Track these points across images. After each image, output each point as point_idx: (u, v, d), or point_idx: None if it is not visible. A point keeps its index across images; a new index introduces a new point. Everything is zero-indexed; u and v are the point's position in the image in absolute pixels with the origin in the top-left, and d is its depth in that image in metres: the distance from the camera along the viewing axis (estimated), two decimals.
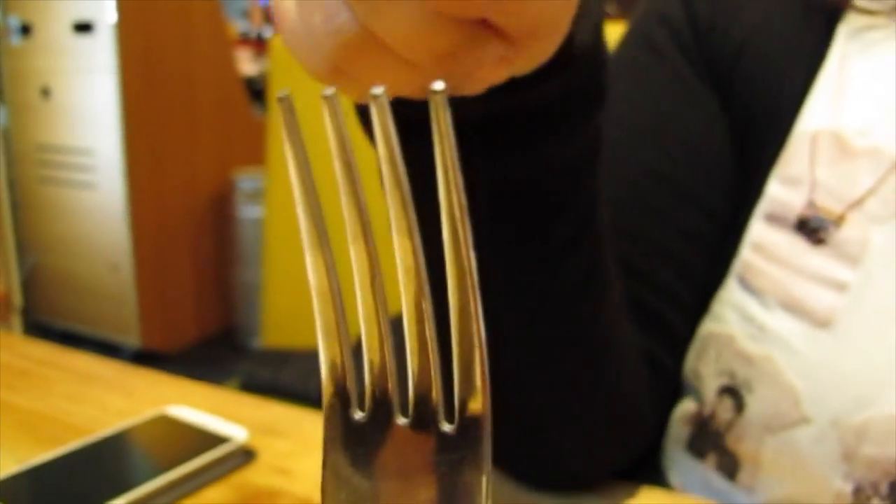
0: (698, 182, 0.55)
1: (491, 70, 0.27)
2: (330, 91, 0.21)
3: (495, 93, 0.30)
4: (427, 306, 0.20)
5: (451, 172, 0.20)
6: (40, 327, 2.81)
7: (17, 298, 2.75)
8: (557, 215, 0.40)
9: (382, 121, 0.19)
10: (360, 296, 0.21)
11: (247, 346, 2.78)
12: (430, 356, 0.20)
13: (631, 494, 0.51)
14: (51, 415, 0.61)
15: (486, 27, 0.24)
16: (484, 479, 0.21)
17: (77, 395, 0.65)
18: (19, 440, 0.56)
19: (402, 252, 0.20)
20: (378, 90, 0.19)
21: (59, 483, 0.49)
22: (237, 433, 0.55)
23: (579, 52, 0.33)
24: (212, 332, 2.94)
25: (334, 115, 0.20)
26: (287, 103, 0.21)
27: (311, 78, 0.27)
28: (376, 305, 0.21)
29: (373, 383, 0.22)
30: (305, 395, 1.14)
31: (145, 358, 2.56)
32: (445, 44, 0.24)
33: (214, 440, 0.54)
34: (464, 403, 0.20)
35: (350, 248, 0.21)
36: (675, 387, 0.56)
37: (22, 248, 2.82)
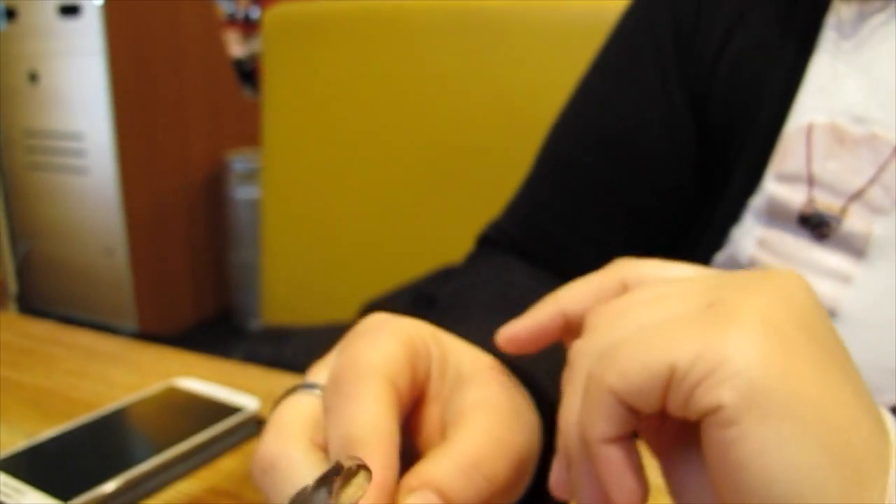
0: (631, 182, 0.59)
1: None
2: None
3: None
4: None
5: None
6: (36, 314, 2.80)
7: (12, 285, 2.74)
8: None
9: None
10: None
11: (245, 327, 2.77)
12: None
13: None
14: (57, 391, 0.60)
15: None
16: None
17: (82, 370, 0.64)
18: (27, 416, 0.56)
19: None
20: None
21: (72, 456, 0.48)
22: (248, 402, 0.54)
23: None
24: (209, 315, 2.94)
25: None
26: None
27: None
28: None
29: None
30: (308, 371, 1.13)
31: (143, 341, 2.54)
32: None
33: (226, 410, 0.53)
34: None
35: None
36: None
37: (15, 234, 2.80)
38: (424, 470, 0.28)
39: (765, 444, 0.22)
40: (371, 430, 0.27)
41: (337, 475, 0.24)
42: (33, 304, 2.86)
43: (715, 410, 0.23)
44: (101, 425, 0.52)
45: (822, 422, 0.22)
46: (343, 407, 0.28)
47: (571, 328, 0.32)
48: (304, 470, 0.28)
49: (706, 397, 0.23)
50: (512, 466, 0.30)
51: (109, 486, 0.44)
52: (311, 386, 0.32)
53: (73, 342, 0.72)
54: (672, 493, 0.28)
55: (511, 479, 0.31)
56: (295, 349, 1.26)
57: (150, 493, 0.46)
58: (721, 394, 0.23)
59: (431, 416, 0.32)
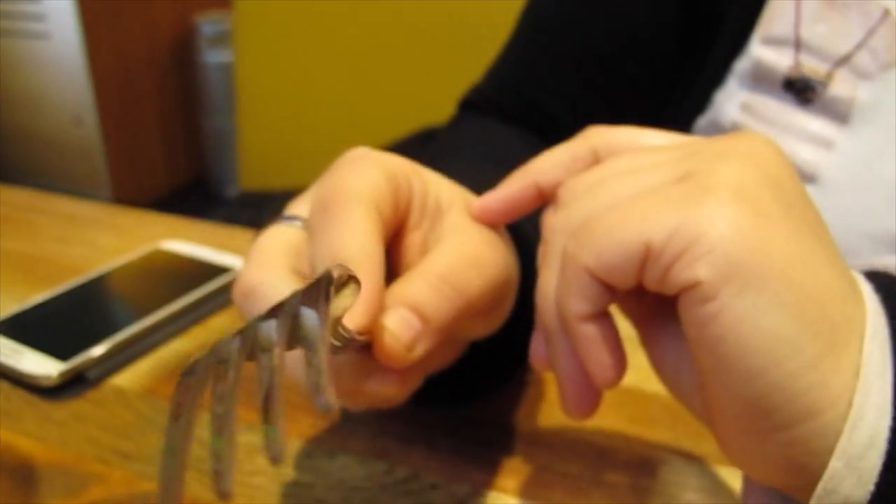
0: (613, 46, 0.58)
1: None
2: None
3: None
4: None
5: None
6: (7, 184, 2.76)
7: None
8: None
9: None
10: None
11: (220, 194, 2.76)
12: None
13: None
14: (44, 257, 0.61)
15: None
16: None
17: (66, 236, 0.65)
18: (16, 282, 0.56)
19: None
20: None
21: (66, 318, 0.49)
22: (236, 262, 0.55)
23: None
24: (183, 182, 2.91)
25: None
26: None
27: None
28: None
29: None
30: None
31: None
32: None
33: (214, 270, 0.54)
34: None
35: None
36: None
37: None
38: (397, 290, 0.29)
39: (742, 316, 0.23)
40: (359, 250, 0.27)
41: (329, 282, 0.23)
42: (3, 174, 2.82)
43: (692, 286, 0.23)
44: (92, 288, 0.52)
45: (796, 291, 0.23)
46: (331, 229, 0.28)
47: (546, 199, 0.32)
48: (283, 294, 0.29)
49: (683, 274, 0.23)
50: (486, 281, 0.31)
51: (105, 346, 0.45)
52: (292, 218, 0.32)
53: (54, 209, 0.71)
54: (651, 361, 0.30)
55: (486, 296, 0.31)
56: (275, 213, 1.26)
57: (144, 351, 0.47)
58: (697, 270, 0.23)
59: (412, 244, 0.32)
